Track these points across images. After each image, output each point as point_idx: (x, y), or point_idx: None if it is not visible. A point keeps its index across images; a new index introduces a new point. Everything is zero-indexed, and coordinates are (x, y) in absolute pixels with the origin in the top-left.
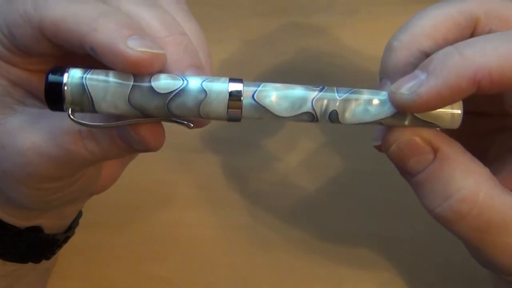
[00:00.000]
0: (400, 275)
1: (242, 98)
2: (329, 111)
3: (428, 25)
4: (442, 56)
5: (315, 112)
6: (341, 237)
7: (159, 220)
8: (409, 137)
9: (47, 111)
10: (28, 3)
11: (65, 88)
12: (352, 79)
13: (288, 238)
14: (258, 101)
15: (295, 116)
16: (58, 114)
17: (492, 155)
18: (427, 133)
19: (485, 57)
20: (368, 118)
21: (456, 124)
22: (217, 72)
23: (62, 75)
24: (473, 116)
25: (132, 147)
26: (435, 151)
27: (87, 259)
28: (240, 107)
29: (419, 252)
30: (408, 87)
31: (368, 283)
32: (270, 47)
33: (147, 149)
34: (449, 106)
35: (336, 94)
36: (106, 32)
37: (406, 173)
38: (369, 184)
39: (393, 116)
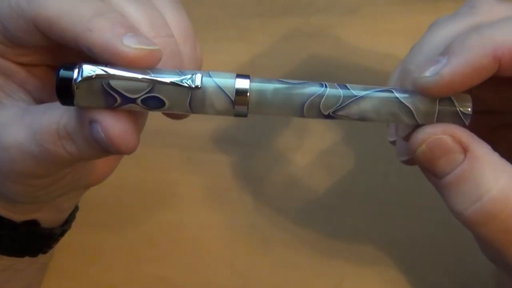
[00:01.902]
0: (402, 274)
1: (248, 94)
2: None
3: (440, 45)
4: (462, 38)
5: (324, 84)
6: (342, 235)
7: (159, 220)
8: (439, 136)
9: (33, 107)
10: None
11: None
12: (352, 79)
13: (289, 237)
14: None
15: (305, 83)
16: (40, 111)
17: (501, 152)
18: (457, 131)
19: (505, 36)
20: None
21: (466, 121)
22: None
23: (73, 70)
24: (481, 113)
25: (106, 149)
26: (465, 150)
27: (87, 259)
28: (247, 103)
29: (421, 251)
30: (431, 70)
31: (370, 282)
32: (270, 47)
33: (118, 152)
34: (458, 104)
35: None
36: (101, 32)
37: (434, 174)
38: (371, 184)
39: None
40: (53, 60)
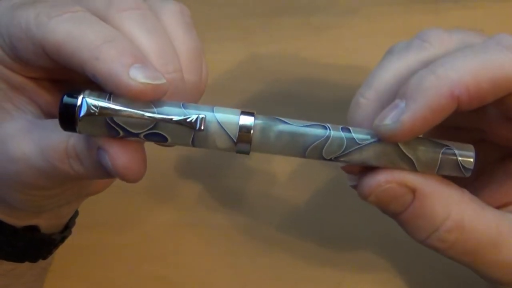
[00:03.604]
0: (399, 276)
1: (252, 131)
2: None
3: (391, 80)
4: (417, 79)
5: (328, 127)
6: (341, 237)
7: (159, 220)
8: (385, 186)
9: (42, 122)
10: (31, 19)
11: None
12: (352, 79)
13: (288, 238)
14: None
15: (309, 126)
16: (49, 126)
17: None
18: (401, 177)
19: (459, 73)
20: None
21: (466, 174)
22: (216, 73)
23: (77, 97)
24: (454, 130)
25: (111, 175)
26: (413, 191)
27: (87, 259)
28: (250, 141)
29: (418, 253)
30: (391, 117)
31: (368, 284)
32: (270, 47)
33: (124, 180)
34: (460, 155)
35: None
36: (108, 61)
37: (388, 214)
38: None
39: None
40: (62, 76)
